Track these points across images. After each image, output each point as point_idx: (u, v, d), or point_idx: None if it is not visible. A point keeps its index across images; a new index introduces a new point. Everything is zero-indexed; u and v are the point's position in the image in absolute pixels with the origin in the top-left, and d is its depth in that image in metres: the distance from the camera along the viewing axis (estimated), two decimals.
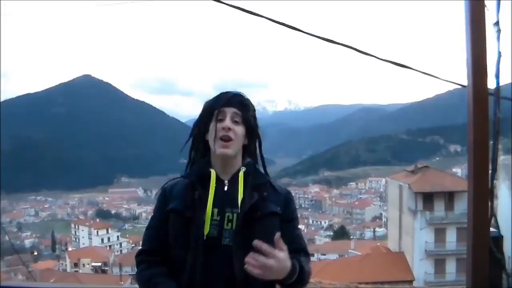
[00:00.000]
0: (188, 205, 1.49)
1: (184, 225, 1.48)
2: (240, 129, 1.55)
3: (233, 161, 1.57)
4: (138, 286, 1.56)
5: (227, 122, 1.52)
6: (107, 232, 67.96)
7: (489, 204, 1.90)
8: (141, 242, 1.64)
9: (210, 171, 1.55)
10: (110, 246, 63.95)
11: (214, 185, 1.53)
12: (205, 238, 1.45)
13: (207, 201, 1.50)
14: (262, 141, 1.65)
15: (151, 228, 1.59)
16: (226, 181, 1.55)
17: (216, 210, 1.49)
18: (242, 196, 1.51)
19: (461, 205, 26.75)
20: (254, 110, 1.63)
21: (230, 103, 1.55)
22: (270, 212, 1.51)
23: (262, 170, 1.63)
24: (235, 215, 1.48)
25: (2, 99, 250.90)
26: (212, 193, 1.51)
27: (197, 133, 1.60)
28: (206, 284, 1.43)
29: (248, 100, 1.60)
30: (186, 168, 1.62)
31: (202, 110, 1.60)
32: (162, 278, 1.48)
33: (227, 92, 1.60)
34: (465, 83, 1.95)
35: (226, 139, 1.52)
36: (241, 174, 1.56)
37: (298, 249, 1.56)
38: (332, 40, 2.50)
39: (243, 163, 1.60)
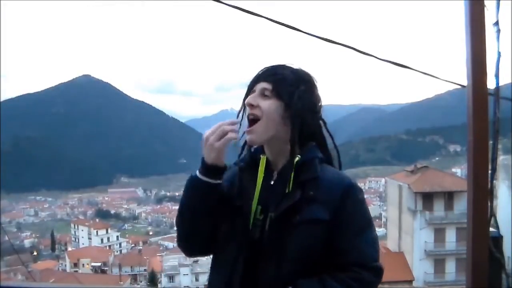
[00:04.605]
0: (235, 194, 1.27)
1: (232, 212, 1.26)
2: (269, 104, 1.22)
3: (283, 146, 1.25)
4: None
5: (250, 98, 1.24)
6: (107, 232, 67.90)
7: (489, 204, 1.90)
8: None
9: (260, 158, 1.28)
10: (109, 246, 63.96)
11: (262, 175, 1.27)
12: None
13: (253, 196, 1.25)
14: (325, 122, 1.33)
15: None
16: (275, 172, 1.28)
17: (259, 208, 1.24)
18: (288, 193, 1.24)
19: (461, 205, 26.75)
20: (303, 81, 1.27)
21: (260, 78, 1.26)
22: (312, 219, 1.19)
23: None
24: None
25: (2, 99, 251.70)
26: (258, 187, 1.26)
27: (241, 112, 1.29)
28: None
29: (288, 69, 1.28)
30: (241, 152, 1.34)
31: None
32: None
33: (269, 66, 1.30)
34: (465, 83, 1.95)
35: (251, 119, 1.23)
36: (295, 165, 1.24)
37: (345, 264, 1.19)
38: (332, 40, 2.49)
39: (304, 149, 1.27)
